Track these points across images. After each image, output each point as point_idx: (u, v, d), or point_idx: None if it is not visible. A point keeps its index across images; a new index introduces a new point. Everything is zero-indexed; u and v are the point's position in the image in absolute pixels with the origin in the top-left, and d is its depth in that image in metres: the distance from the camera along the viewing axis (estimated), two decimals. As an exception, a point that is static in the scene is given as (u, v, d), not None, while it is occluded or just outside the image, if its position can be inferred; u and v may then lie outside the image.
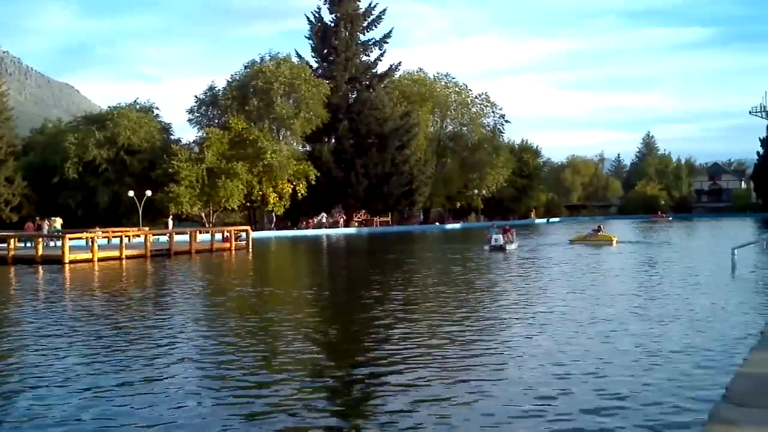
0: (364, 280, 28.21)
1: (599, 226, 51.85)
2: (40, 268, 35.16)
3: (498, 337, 14.90)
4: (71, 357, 13.49)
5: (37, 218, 56.37)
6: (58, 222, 52.47)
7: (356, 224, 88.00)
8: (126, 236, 44.00)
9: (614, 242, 46.51)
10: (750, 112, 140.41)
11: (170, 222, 63.61)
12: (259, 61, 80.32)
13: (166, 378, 11.75)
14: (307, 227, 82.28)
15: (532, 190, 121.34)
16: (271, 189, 75.47)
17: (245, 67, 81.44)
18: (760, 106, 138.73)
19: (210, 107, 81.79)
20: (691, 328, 15.08)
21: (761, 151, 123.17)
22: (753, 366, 7.34)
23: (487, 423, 9.09)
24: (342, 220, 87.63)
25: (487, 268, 31.89)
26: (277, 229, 77.04)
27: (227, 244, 48.82)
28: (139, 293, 24.93)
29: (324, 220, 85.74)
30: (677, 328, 15.24)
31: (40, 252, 38.57)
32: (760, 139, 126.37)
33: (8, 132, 70.00)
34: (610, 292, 21.96)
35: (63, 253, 37.36)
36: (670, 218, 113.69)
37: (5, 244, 39.75)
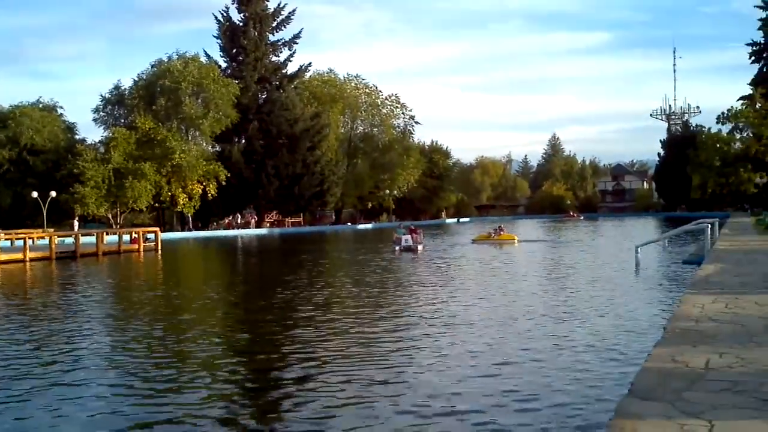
0: (274, 281, 27.92)
1: (500, 226, 52.77)
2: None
3: (408, 337, 14.87)
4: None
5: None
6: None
7: (268, 225, 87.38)
8: (30, 238, 42.70)
9: (515, 242, 47.40)
10: (651, 115, 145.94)
11: (76, 223, 62.03)
12: (166, 60, 79.13)
13: (62, 388, 11.26)
14: (228, 227, 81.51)
15: (442, 190, 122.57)
16: (180, 189, 74.44)
17: (152, 66, 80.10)
18: (661, 109, 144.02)
19: (116, 106, 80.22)
20: (596, 325, 15.32)
21: (662, 152, 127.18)
22: (657, 360, 7.54)
23: (392, 426, 9.06)
24: (253, 220, 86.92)
25: (398, 268, 32.01)
26: (188, 231, 75.97)
27: (135, 246, 47.80)
28: (39, 297, 24.17)
29: (238, 221, 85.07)
30: (582, 324, 15.45)
31: (-60, 256, 37.18)
32: (660, 140, 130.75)
33: None
34: (515, 291, 22.05)
35: (-37, 256, 36.02)
36: (581, 218, 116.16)
37: None
